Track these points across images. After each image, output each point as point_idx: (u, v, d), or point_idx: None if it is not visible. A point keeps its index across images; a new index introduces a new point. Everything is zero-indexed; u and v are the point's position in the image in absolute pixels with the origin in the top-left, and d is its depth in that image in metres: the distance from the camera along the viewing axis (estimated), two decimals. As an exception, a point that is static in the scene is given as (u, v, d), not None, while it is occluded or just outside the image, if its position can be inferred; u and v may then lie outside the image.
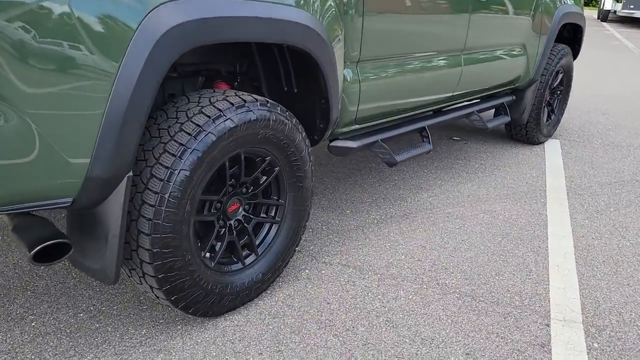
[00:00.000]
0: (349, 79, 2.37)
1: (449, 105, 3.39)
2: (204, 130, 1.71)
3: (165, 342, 1.89)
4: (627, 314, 2.20)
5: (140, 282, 1.80)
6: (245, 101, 1.85)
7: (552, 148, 4.41)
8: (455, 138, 4.55)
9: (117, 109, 1.47)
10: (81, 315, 2.02)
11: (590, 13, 18.90)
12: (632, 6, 16.22)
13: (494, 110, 4.02)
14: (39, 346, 1.84)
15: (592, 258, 2.64)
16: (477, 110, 3.52)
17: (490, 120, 3.70)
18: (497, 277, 2.42)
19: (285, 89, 2.34)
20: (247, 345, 1.90)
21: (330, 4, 2.13)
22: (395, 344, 1.95)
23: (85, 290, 2.17)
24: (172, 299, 1.82)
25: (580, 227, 2.96)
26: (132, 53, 1.46)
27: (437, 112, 3.32)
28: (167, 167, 1.66)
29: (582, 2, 4.62)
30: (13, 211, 1.46)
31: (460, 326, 2.06)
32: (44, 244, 1.49)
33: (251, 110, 1.85)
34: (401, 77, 2.67)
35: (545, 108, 4.37)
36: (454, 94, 3.16)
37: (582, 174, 3.81)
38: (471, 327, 2.06)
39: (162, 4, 1.50)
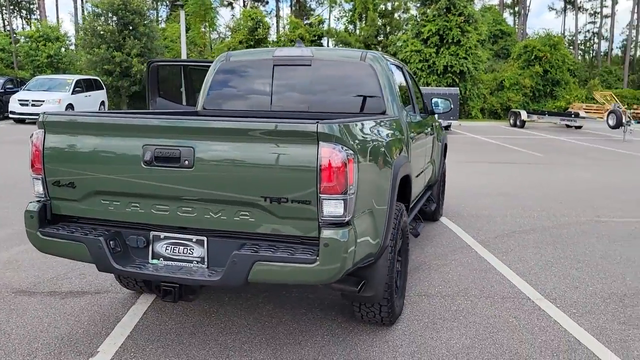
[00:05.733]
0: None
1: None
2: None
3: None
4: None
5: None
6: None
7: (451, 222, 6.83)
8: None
9: (390, 209, 3.22)
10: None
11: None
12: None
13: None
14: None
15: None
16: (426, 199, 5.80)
17: (428, 205, 6.02)
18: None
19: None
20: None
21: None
22: None
23: None
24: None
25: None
26: (392, 182, 3.27)
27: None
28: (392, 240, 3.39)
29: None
30: (356, 267, 3.02)
31: None
32: (363, 282, 3.10)
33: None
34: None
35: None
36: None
37: (479, 231, 6.22)
38: None
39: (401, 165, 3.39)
